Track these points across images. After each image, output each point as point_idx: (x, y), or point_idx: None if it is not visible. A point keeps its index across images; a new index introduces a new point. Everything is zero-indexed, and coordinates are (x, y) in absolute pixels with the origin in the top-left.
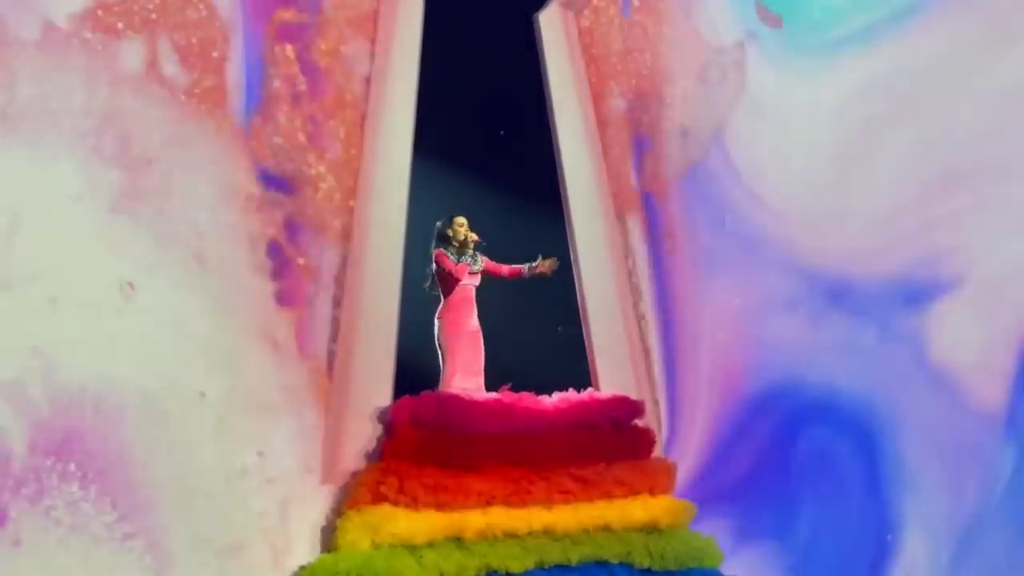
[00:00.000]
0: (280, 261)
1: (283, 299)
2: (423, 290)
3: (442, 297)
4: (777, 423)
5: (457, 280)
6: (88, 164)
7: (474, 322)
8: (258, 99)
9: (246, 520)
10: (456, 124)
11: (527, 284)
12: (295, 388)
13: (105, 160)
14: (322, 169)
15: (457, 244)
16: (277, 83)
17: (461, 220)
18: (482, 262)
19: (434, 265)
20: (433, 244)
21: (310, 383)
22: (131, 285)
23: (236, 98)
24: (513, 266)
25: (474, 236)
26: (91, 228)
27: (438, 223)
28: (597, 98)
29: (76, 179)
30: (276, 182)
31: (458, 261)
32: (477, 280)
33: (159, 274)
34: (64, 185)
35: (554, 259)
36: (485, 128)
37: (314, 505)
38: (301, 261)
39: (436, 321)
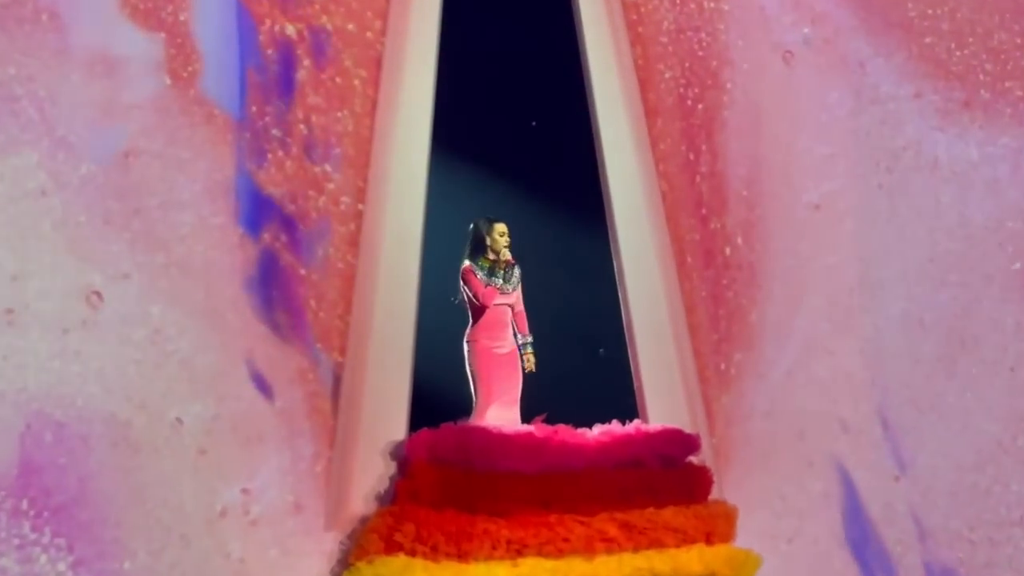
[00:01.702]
0: (276, 271)
1: (278, 314)
2: (443, 305)
3: (471, 316)
4: None
5: (484, 305)
6: (53, 156)
7: (509, 343)
8: (254, 85)
9: (227, 569)
10: (481, 114)
11: (563, 300)
12: (290, 415)
13: (73, 152)
14: (327, 167)
15: (493, 256)
16: (275, 67)
17: (502, 228)
18: (517, 281)
19: (461, 280)
20: (465, 250)
21: (308, 410)
22: (99, 295)
23: (228, 83)
24: (483, 289)
25: (507, 255)
26: (55, 229)
27: (474, 223)
28: (644, 83)
29: (39, 173)
30: (274, 181)
31: (488, 281)
32: (512, 298)
33: (133, 283)
34: (24, 180)
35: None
36: (515, 119)
37: (313, 554)
38: (301, 272)
39: (465, 345)
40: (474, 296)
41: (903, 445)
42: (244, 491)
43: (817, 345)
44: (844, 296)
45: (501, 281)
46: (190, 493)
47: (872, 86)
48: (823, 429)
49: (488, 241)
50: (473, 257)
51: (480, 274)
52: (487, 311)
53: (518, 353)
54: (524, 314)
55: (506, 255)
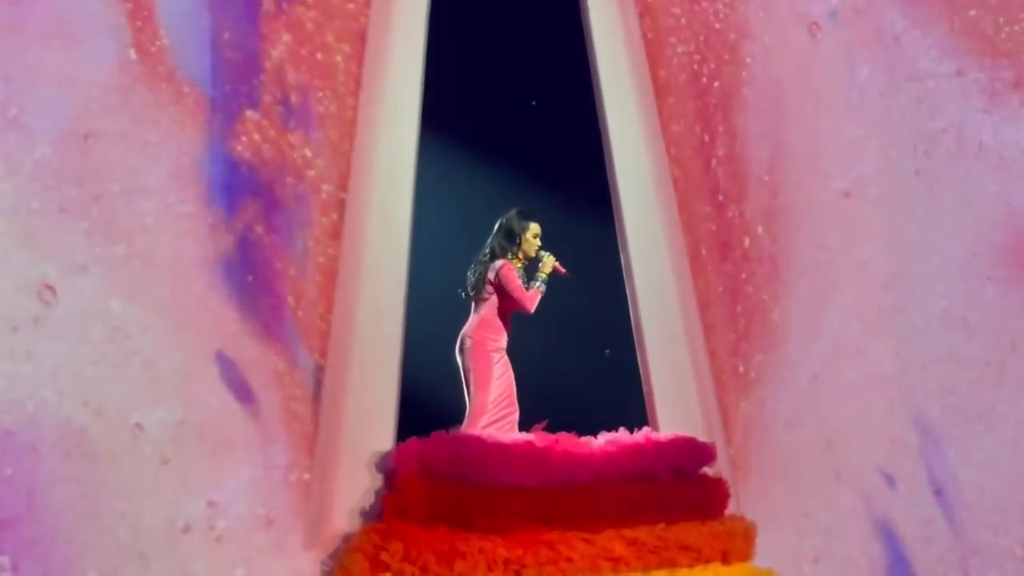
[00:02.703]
0: (250, 264)
1: (253, 311)
2: (433, 303)
3: (476, 310)
4: None
5: (527, 310)
6: (4, 138)
7: (504, 346)
8: (228, 61)
9: None
10: (475, 93)
11: (565, 296)
12: (264, 421)
13: (27, 133)
14: (307, 152)
15: (523, 259)
16: (252, 41)
17: (537, 229)
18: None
19: (492, 276)
20: (494, 245)
21: (284, 415)
22: (52, 289)
23: (199, 59)
24: (533, 293)
25: (555, 262)
26: (5, 218)
27: (506, 218)
28: (654, 59)
29: None
30: (249, 166)
31: (527, 285)
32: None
33: (91, 276)
34: None
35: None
36: (512, 98)
37: (287, 575)
38: (278, 265)
39: (466, 340)
40: (518, 300)
41: (945, 456)
42: (210, 503)
43: (847, 346)
44: (877, 293)
45: (543, 285)
46: (150, 507)
47: (908, 62)
48: (853, 438)
49: (520, 240)
50: (504, 255)
51: (521, 274)
52: (499, 311)
53: (507, 357)
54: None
55: (553, 262)
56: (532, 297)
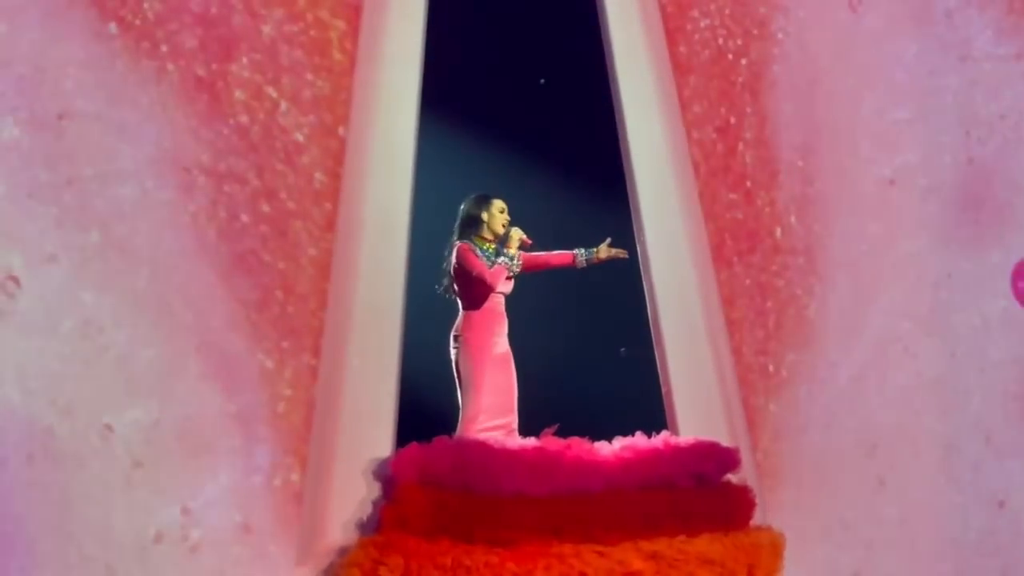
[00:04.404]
0: (235, 256)
1: (237, 306)
2: (434, 299)
3: (462, 308)
4: None
5: (490, 288)
6: None
7: (505, 342)
8: (215, 38)
9: None
10: (479, 72)
11: (577, 290)
12: (247, 421)
13: None
14: (298, 136)
15: (491, 237)
16: (238, 17)
17: (501, 204)
18: (519, 261)
19: (454, 262)
20: (455, 232)
21: (270, 415)
22: (16, 281)
23: (185, 34)
24: (562, 252)
25: (521, 234)
26: None
27: (466, 203)
28: (674, 34)
29: None
30: (235, 150)
31: (492, 262)
32: (511, 286)
33: (60, 267)
34: None
35: (622, 251)
36: (519, 77)
37: None
38: (266, 258)
39: (453, 341)
40: (478, 277)
41: (1010, 465)
42: (184, 511)
43: (894, 346)
44: (927, 290)
45: (509, 260)
46: (120, 514)
47: (962, 42)
48: (900, 444)
49: (484, 218)
50: (465, 238)
51: (481, 254)
52: (485, 301)
53: (511, 355)
54: (537, 257)
55: (520, 235)
56: (495, 273)
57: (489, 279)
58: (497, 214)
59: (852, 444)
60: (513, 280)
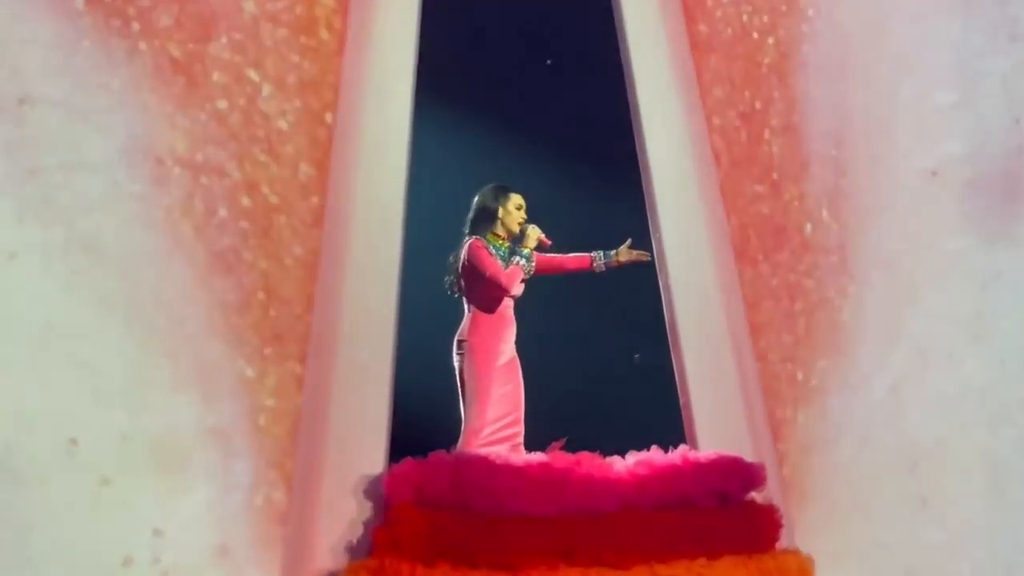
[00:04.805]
0: (212, 254)
1: (215, 309)
2: (431, 300)
3: (468, 308)
4: None
5: (504, 292)
6: None
7: (512, 349)
8: (192, 15)
9: None
10: (480, 52)
11: (586, 290)
12: (225, 435)
13: None
14: (282, 123)
15: (505, 235)
16: None
17: (519, 200)
18: (534, 263)
19: (463, 258)
20: (466, 225)
21: (250, 429)
22: None
23: (160, 11)
24: (579, 255)
25: (539, 233)
26: None
27: (480, 194)
28: (693, 9)
29: None
30: (213, 139)
31: (507, 262)
32: (521, 289)
33: (21, 265)
34: None
35: (644, 253)
36: (523, 57)
37: None
38: (247, 256)
39: (459, 345)
40: (492, 278)
41: None
42: (156, 532)
43: (938, 352)
44: (973, 292)
45: (523, 260)
46: (86, 537)
47: (1011, 20)
48: (945, 459)
49: (500, 213)
50: (477, 233)
51: (495, 252)
52: (499, 305)
53: (519, 361)
54: (554, 259)
55: (538, 235)
56: (511, 275)
57: (505, 281)
58: (514, 211)
59: (890, 460)
60: (524, 283)
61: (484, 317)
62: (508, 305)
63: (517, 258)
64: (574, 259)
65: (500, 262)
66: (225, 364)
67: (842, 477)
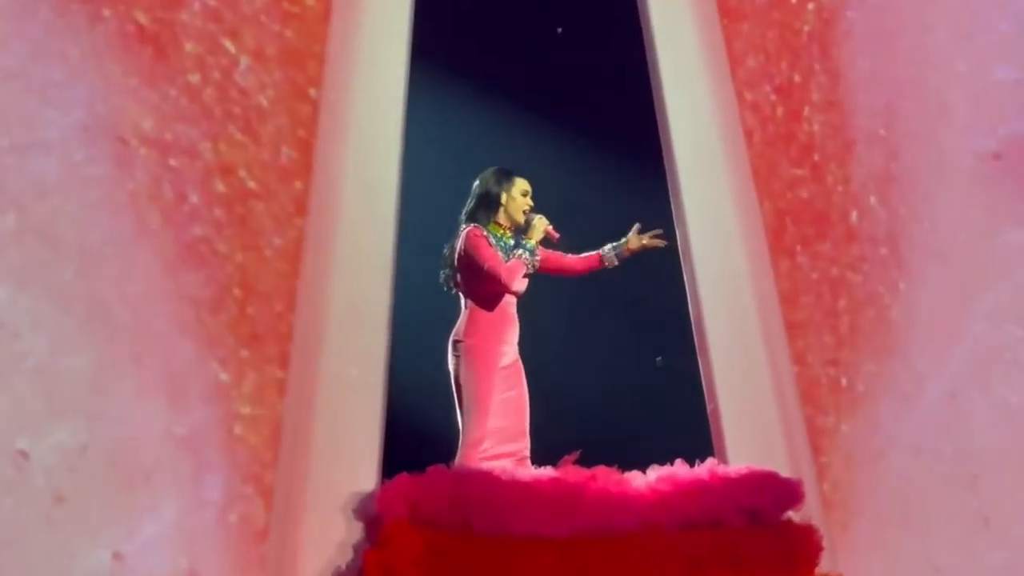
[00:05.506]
0: (183, 246)
1: (186, 305)
2: (427, 297)
3: (465, 305)
4: None
5: (504, 287)
6: None
7: (515, 351)
8: None
9: None
10: (482, 21)
11: (602, 286)
12: (195, 445)
13: None
14: (262, 100)
15: (508, 224)
16: None
17: (525, 186)
18: (539, 258)
19: (459, 249)
20: (464, 214)
21: (224, 439)
22: None
23: None
24: (587, 255)
25: (547, 224)
26: None
27: (482, 177)
28: None
29: None
30: (184, 116)
31: (508, 255)
32: (525, 285)
33: None
34: None
35: (657, 233)
36: (531, 26)
37: None
38: (221, 248)
39: (455, 346)
40: (490, 272)
41: None
42: (116, 556)
43: (1001, 356)
44: None
45: (527, 253)
46: (38, 559)
47: None
48: (1007, 474)
49: (503, 200)
50: (476, 221)
51: (495, 243)
52: (498, 302)
53: (522, 365)
54: (562, 259)
55: (545, 226)
56: (512, 269)
57: (505, 276)
58: (519, 197)
59: (947, 474)
60: (528, 279)
61: (483, 315)
62: (510, 302)
63: (520, 251)
64: (583, 260)
65: (501, 254)
66: (196, 367)
67: (891, 493)
